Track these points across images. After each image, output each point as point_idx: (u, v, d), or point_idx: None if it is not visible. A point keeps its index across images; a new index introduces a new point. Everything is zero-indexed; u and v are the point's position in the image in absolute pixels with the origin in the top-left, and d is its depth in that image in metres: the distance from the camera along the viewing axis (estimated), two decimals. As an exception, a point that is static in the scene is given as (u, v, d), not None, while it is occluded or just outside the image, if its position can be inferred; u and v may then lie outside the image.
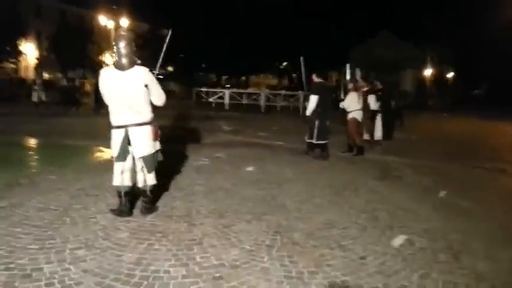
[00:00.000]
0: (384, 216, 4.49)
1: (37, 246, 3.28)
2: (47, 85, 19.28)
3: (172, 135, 10.45)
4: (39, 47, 42.25)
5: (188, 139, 9.30)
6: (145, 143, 4.04)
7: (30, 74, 38.78)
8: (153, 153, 4.15)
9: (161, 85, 4.27)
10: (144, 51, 40.23)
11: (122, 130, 3.96)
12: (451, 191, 5.71)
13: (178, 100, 21.85)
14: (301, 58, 9.06)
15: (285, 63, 47.35)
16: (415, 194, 5.52)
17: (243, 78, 46.21)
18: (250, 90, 23.38)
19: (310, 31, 38.29)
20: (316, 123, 7.67)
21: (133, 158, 4.07)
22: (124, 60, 3.89)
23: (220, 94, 22.02)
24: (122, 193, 4.07)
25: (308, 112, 7.73)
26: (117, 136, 3.98)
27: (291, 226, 4.04)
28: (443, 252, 3.55)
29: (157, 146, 4.17)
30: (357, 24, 38.38)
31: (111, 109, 4.00)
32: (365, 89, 9.26)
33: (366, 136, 9.58)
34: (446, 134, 13.85)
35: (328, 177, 6.24)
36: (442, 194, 5.57)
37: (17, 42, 37.79)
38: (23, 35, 39.25)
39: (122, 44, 3.89)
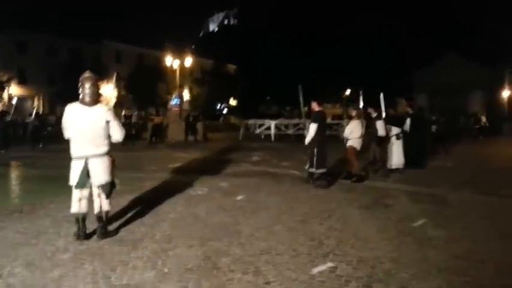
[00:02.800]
0: (330, 243, 4.49)
1: (-12, 263, 3.86)
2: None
3: (194, 166, 11.11)
4: (118, 87, 46.56)
5: (207, 170, 9.82)
6: (103, 172, 4.54)
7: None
8: (110, 182, 4.63)
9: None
10: (207, 86, 42.68)
11: (82, 160, 4.48)
12: (432, 220, 5.46)
13: (227, 133, 22.67)
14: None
15: (348, 92, 47.03)
16: (388, 222, 5.38)
17: (305, 108, 46.48)
18: (295, 120, 23.44)
19: (370, 58, 37.91)
20: (316, 151, 7.74)
21: (90, 187, 4.58)
22: (88, 98, 4.49)
23: (267, 125, 22.47)
24: (80, 219, 4.56)
25: (307, 140, 7.86)
26: (77, 166, 4.49)
27: (226, 252, 4.22)
28: (357, 281, 3.52)
29: (111, 176, 4.64)
30: (420, 48, 37.18)
31: (73, 141, 4.53)
32: (374, 115, 9.15)
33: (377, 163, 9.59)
34: (493, 162, 12.81)
35: (310, 206, 6.27)
36: (418, 223, 5.35)
37: (99, 85, 42.15)
38: (105, 78, 43.79)
39: (88, 85, 4.49)
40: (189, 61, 33.14)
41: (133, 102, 42.92)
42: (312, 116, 8.05)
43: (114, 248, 4.33)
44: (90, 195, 4.63)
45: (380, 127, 9.39)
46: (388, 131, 9.72)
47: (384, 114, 9.75)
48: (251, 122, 24.40)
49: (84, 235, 4.56)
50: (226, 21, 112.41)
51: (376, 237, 4.74)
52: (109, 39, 46.31)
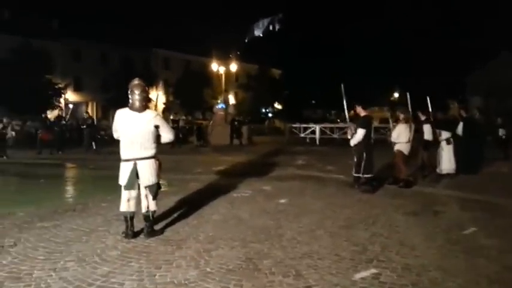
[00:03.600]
0: (374, 250, 4.39)
1: (43, 257, 4.10)
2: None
3: (239, 169, 11.23)
4: (166, 93, 48.03)
5: (251, 173, 9.91)
6: (150, 173, 4.72)
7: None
8: (156, 183, 4.81)
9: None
10: (252, 91, 43.06)
11: (131, 163, 4.69)
12: (483, 228, 5.20)
13: (272, 137, 22.71)
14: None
15: (396, 94, 45.77)
16: (436, 230, 5.18)
17: (351, 112, 45.71)
18: (340, 124, 23.10)
19: (421, 59, 36.71)
20: (364, 156, 7.63)
21: (138, 187, 4.77)
22: (138, 104, 4.71)
23: (312, 129, 22.31)
24: (128, 218, 4.76)
25: (352, 143, 7.78)
26: (126, 168, 4.71)
27: (268, 254, 4.24)
28: (401, 288, 3.41)
29: (157, 178, 4.81)
30: (473, 48, 35.54)
31: (122, 144, 4.77)
32: (423, 118, 8.86)
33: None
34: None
35: (354, 211, 6.16)
36: (469, 231, 5.11)
37: (149, 91, 43.73)
38: (154, 84, 45.36)
39: (138, 91, 4.73)
40: (234, 67, 33.67)
41: (180, 107, 44.15)
42: (359, 121, 7.93)
43: (160, 247, 4.47)
44: (138, 195, 4.81)
45: (426, 131, 9.07)
46: (437, 136, 9.37)
47: (431, 118, 9.39)
48: (296, 125, 24.31)
49: (132, 234, 4.74)
50: (271, 27, 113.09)
51: (423, 244, 4.58)
52: (157, 47, 47.90)
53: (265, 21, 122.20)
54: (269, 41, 71.52)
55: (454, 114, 13.04)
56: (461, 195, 7.36)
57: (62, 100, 35.80)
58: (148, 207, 4.80)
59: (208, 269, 3.82)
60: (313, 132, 22.11)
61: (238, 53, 56.54)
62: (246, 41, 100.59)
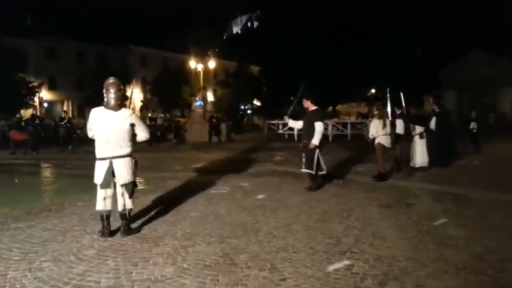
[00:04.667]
0: (347, 242, 4.51)
1: (18, 258, 4.06)
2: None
3: (217, 166, 11.26)
4: (144, 91, 47.48)
5: (229, 170, 9.94)
6: (126, 172, 4.72)
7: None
8: (132, 181, 4.81)
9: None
10: (231, 88, 42.96)
11: (107, 161, 4.66)
12: (453, 219, 5.38)
13: (253, 133, 22.80)
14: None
15: (373, 90, 46.45)
16: (408, 221, 5.33)
17: (329, 108, 46.13)
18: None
19: (396, 56, 37.30)
20: (317, 152, 7.28)
21: (114, 186, 4.75)
22: (113, 102, 4.69)
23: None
24: (104, 216, 4.74)
25: (317, 141, 7.22)
26: (101, 167, 4.68)
27: (244, 249, 4.30)
28: (372, 279, 3.52)
29: (133, 176, 4.81)
30: (446, 44, 36.34)
31: (98, 143, 4.73)
32: (398, 113, 9.08)
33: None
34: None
35: (330, 205, 6.28)
36: (439, 222, 5.28)
37: (125, 88, 43.21)
38: (130, 82, 44.80)
39: (113, 90, 4.69)
40: (212, 64, 33.54)
41: (158, 105, 43.74)
42: (310, 115, 7.38)
43: (136, 245, 4.47)
44: (114, 194, 4.80)
45: (399, 125, 9.26)
46: (410, 130, 9.60)
47: (405, 113, 9.61)
48: (274, 122, 24.42)
49: (108, 232, 4.73)
50: (249, 24, 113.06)
51: (395, 236, 4.72)
52: (134, 44, 47.25)
53: (243, 18, 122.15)
54: (247, 38, 71.47)
55: (427, 109, 13.41)
56: (434, 187, 7.58)
57: (36, 99, 35.00)
58: (124, 206, 4.80)
59: (185, 265, 3.86)
60: (291, 128, 22.22)
61: (217, 50, 56.32)
62: (225, 38, 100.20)
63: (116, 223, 4.91)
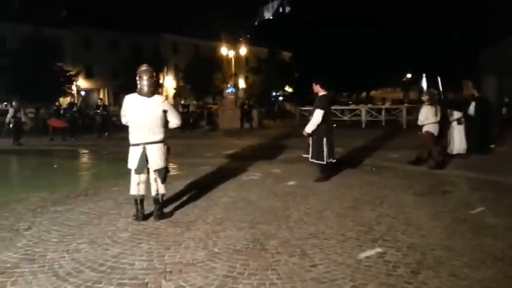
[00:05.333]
0: (380, 229, 4.43)
1: (56, 240, 4.23)
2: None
3: (248, 153, 11.29)
4: (176, 78, 48.12)
5: (260, 156, 9.98)
6: (159, 157, 4.81)
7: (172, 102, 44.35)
8: (165, 167, 4.89)
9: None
10: (263, 74, 42.84)
11: (140, 147, 4.75)
12: (491, 208, 5.18)
13: (285, 120, 22.70)
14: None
15: (409, 76, 45.14)
16: (443, 210, 5.18)
17: (363, 94, 45.24)
18: (351, 106, 22.95)
19: (432, 39, 35.97)
20: (324, 140, 6.91)
21: (148, 171, 4.85)
22: (146, 89, 4.75)
23: (323, 112, 22.09)
24: (138, 201, 4.86)
25: (309, 128, 6.94)
26: (136, 152, 4.78)
27: (274, 235, 4.31)
28: (405, 267, 3.45)
29: (166, 162, 4.90)
30: (485, 26, 34.61)
31: (131, 129, 4.83)
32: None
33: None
34: None
35: (362, 192, 6.19)
36: (476, 210, 5.10)
37: (159, 76, 44.06)
38: (163, 70, 45.49)
39: (146, 77, 4.75)
40: (243, 51, 33.49)
41: (191, 92, 44.26)
42: (316, 101, 7.03)
43: (169, 229, 4.57)
44: (148, 179, 4.90)
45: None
46: (448, 115, 9.27)
47: (442, 97, 9.28)
48: (306, 108, 24.19)
49: (142, 216, 4.85)
50: (281, 9, 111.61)
51: (430, 224, 4.59)
52: (166, 32, 47.77)
53: (275, 3, 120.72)
54: (279, 23, 70.72)
55: (467, 93, 12.88)
56: (471, 175, 7.31)
57: (73, 87, 36.15)
58: (157, 191, 4.90)
59: (216, 250, 3.90)
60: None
61: (248, 36, 56.10)
62: (256, 24, 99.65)
63: (149, 207, 5.01)
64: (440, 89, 9.34)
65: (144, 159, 4.76)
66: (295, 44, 43.52)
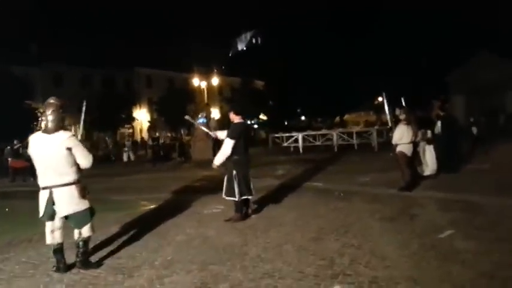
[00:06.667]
0: (342, 262, 4.07)
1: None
2: (137, 145, 21.42)
3: (217, 184, 10.85)
4: (150, 111, 47.66)
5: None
6: (69, 202, 4.21)
7: (145, 136, 43.73)
8: (81, 211, 4.28)
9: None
10: (236, 103, 42.86)
11: (47, 191, 4.18)
12: (461, 230, 4.91)
13: (257, 148, 22.36)
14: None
15: (380, 99, 45.83)
16: (411, 235, 4.86)
17: (337, 118, 45.65)
18: (323, 131, 22.92)
19: (401, 64, 36.92)
20: (234, 174, 6.18)
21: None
22: (50, 125, 4.21)
23: (295, 137, 22.01)
24: (57, 250, 4.28)
25: (217, 161, 6.34)
26: (42, 197, 4.22)
27: (226, 276, 3.89)
28: (365, 306, 3.07)
29: (86, 203, 4.34)
30: (451, 49, 35.81)
31: (38, 171, 4.27)
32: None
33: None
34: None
35: (328, 220, 5.84)
36: (445, 234, 4.80)
37: (132, 110, 43.52)
38: (137, 103, 45.04)
39: (49, 111, 4.23)
40: (215, 81, 33.48)
41: (165, 125, 43.77)
42: (230, 128, 6.33)
43: (110, 276, 4.09)
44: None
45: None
46: (423, 135, 9.10)
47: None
48: (278, 135, 24.05)
49: (64, 267, 4.28)
50: (253, 41, 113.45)
51: (395, 253, 4.26)
52: (139, 66, 47.64)
53: (248, 35, 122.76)
54: (252, 54, 71.75)
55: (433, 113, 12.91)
56: (441, 196, 7.08)
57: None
58: (80, 234, 4.34)
59: (156, 299, 3.45)
60: (296, 140, 21.84)
61: (223, 67, 56.41)
62: (230, 55, 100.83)
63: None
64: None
65: (51, 205, 4.18)
66: (268, 73, 43.96)
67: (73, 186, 4.24)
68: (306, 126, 38.01)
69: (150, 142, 21.47)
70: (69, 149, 4.18)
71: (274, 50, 47.01)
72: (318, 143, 21.55)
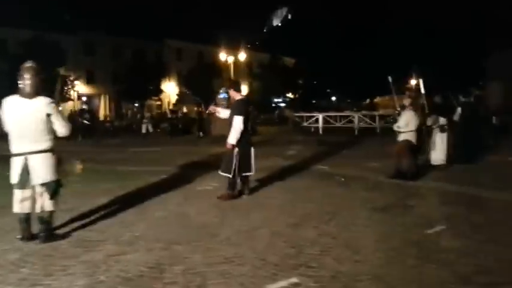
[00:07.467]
0: (311, 252, 3.80)
1: None
2: (158, 119, 21.48)
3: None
4: (179, 84, 47.78)
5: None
6: (44, 170, 4.09)
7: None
8: (54, 181, 4.18)
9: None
10: (265, 80, 42.31)
11: (21, 158, 4.05)
12: (454, 227, 4.52)
13: (280, 126, 22.09)
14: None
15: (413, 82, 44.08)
16: (398, 228, 4.52)
17: (367, 100, 44.44)
18: (345, 113, 22.21)
19: (437, 48, 35.27)
20: (235, 151, 5.96)
21: (34, 186, 4.12)
22: (28, 90, 4.04)
23: (316, 117, 21.44)
24: (23, 219, 4.17)
25: (232, 140, 5.96)
26: (16, 164, 4.08)
27: (184, 258, 3.69)
28: (315, 304, 2.80)
29: (56, 175, 4.20)
30: (493, 31, 33.78)
31: (11, 137, 4.12)
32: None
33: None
34: None
35: (316, 206, 5.55)
36: (434, 229, 4.42)
37: (161, 82, 43.72)
38: (166, 76, 45.18)
39: (28, 75, 4.05)
40: (243, 56, 32.95)
41: (191, 99, 43.82)
42: (232, 107, 6.22)
43: (70, 249, 3.97)
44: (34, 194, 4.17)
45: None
46: (433, 122, 8.56)
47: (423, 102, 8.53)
48: (299, 114, 23.53)
49: (28, 237, 4.18)
50: (289, 16, 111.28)
51: (372, 247, 3.93)
52: (170, 38, 47.54)
53: (284, 10, 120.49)
54: (287, 30, 70.26)
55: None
56: (445, 187, 6.63)
57: (73, 93, 35.93)
58: (42, 207, 4.17)
59: (102, 278, 3.30)
60: (318, 121, 21.28)
61: (257, 43, 55.57)
62: (265, 30, 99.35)
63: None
64: (422, 91, 8.58)
65: (25, 172, 4.05)
66: (299, 50, 43.10)
67: (49, 154, 4.13)
68: (333, 107, 37.19)
69: (168, 115, 21.51)
70: (48, 115, 4.06)
71: (308, 27, 45.92)
72: (338, 124, 20.96)
